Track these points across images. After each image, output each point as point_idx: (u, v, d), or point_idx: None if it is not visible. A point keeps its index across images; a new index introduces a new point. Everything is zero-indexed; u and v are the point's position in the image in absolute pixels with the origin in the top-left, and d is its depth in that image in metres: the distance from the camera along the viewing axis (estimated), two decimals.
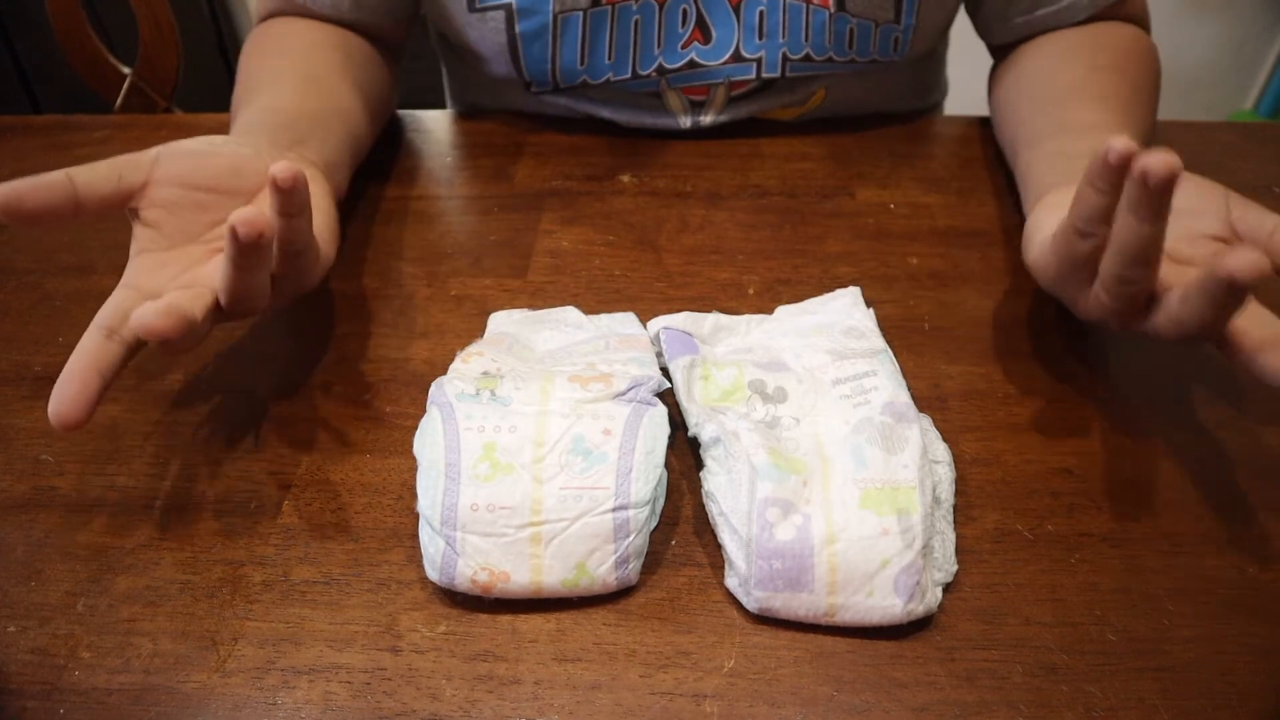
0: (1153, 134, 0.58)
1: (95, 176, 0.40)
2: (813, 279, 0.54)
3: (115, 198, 0.41)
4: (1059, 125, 0.54)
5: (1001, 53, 0.67)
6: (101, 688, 0.35)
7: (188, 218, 0.43)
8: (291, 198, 0.38)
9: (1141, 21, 0.64)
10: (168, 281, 0.41)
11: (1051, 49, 0.62)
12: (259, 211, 0.35)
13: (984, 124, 0.68)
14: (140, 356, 0.49)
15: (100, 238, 0.58)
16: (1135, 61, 0.60)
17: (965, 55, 0.81)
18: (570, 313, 0.48)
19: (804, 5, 0.60)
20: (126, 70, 0.99)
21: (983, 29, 0.67)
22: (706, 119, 0.66)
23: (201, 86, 1.14)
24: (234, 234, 0.35)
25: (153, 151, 0.43)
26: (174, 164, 0.43)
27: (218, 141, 0.46)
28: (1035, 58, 0.62)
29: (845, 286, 0.49)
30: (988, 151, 0.65)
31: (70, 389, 0.36)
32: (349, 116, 0.58)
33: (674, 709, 0.34)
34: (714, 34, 0.62)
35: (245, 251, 0.36)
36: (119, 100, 1.00)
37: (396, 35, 0.67)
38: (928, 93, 0.77)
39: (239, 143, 0.47)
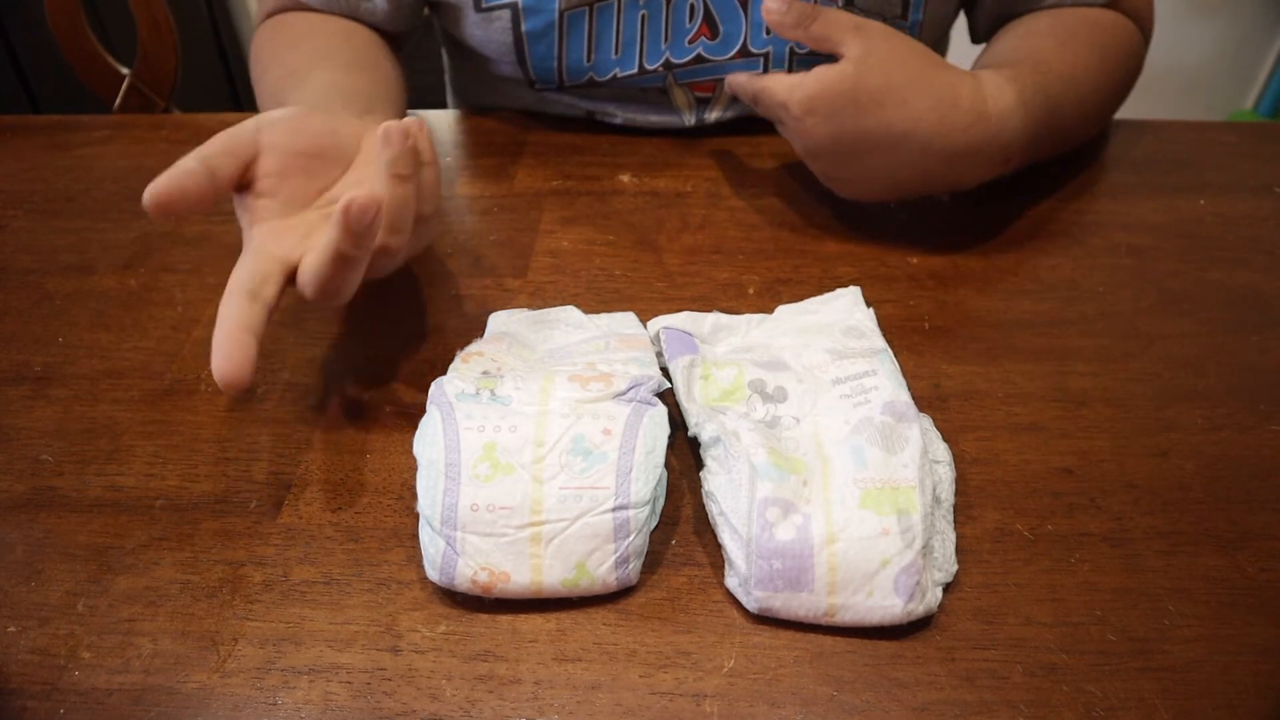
0: (1101, 89, 0.59)
1: (220, 158, 0.41)
2: (813, 279, 0.54)
3: (240, 174, 0.42)
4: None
5: None
6: (101, 688, 0.35)
7: (297, 184, 0.44)
8: (414, 155, 0.39)
9: (1138, 16, 0.64)
10: (293, 248, 0.42)
11: (1013, 27, 0.63)
12: (370, 192, 0.36)
13: None
14: (140, 355, 0.49)
15: (100, 237, 0.58)
16: (1091, 28, 0.60)
17: (964, 53, 0.81)
18: (570, 312, 0.48)
19: None
20: (125, 70, 0.99)
21: (973, 28, 0.68)
22: (711, 116, 0.66)
23: (200, 87, 1.14)
24: (346, 214, 0.35)
25: (251, 123, 0.43)
26: (274, 132, 0.43)
27: (301, 109, 0.46)
28: (997, 38, 0.63)
29: (845, 286, 0.49)
30: None
31: (232, 350, 0.37)
32: (397, 100, 0.59)
33: (674, 709, 0.34)
34: (721, 29, 0.62)
35: (355, 236, 0.36)
36: (118, 100, 1.00)
37: (401, 39, 0.67)
38: None
39: (322, 110, 0.47)
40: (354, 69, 0.57)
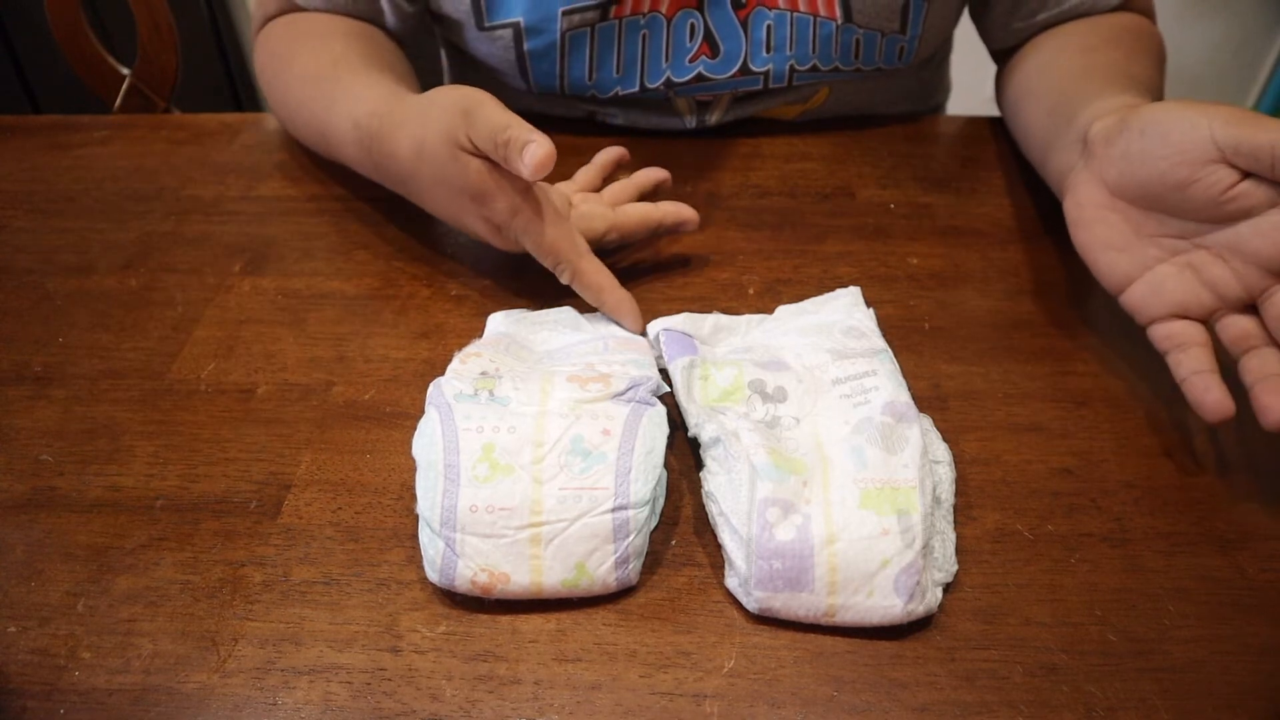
0: (1161, 90, 0.58)
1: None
2: (813, 279, 0.54)
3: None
4: (1067, 113, 0.52)
5: (1002, 57, 0.67)
6: (101, 688, 0.35)
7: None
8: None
9: (1144, 13, 0.64)
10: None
11: (1047, 43, 0.62)
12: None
13: (985, 123, 0.68)
14: (140, 355, 0.49)
15: (100, 237, 0.58)
16: (1128, 33, 0.60)
17: (967, 55, 0.81)
18: (569, 313, 0.48)
19: (811, 18, 0.60)
20: (125, 71, 0.99)
21: (985, 34, 0.68)
22: (712, 118, 0.66)
23: (200, 87, 1.14)
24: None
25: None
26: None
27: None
28: (1034, 54, 0.62)
29: (845, 286, 0.49)
30: (988, 151, 0.65)
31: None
32: None
33: (674, 709, 0.34)
34: (722, 48, 0.62)
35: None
36: (118, 101, 0.99)
37: (404, 45, 0.67)
38: (931, 95, 0.77)
39: None
40: (397, 75, 0.57)
